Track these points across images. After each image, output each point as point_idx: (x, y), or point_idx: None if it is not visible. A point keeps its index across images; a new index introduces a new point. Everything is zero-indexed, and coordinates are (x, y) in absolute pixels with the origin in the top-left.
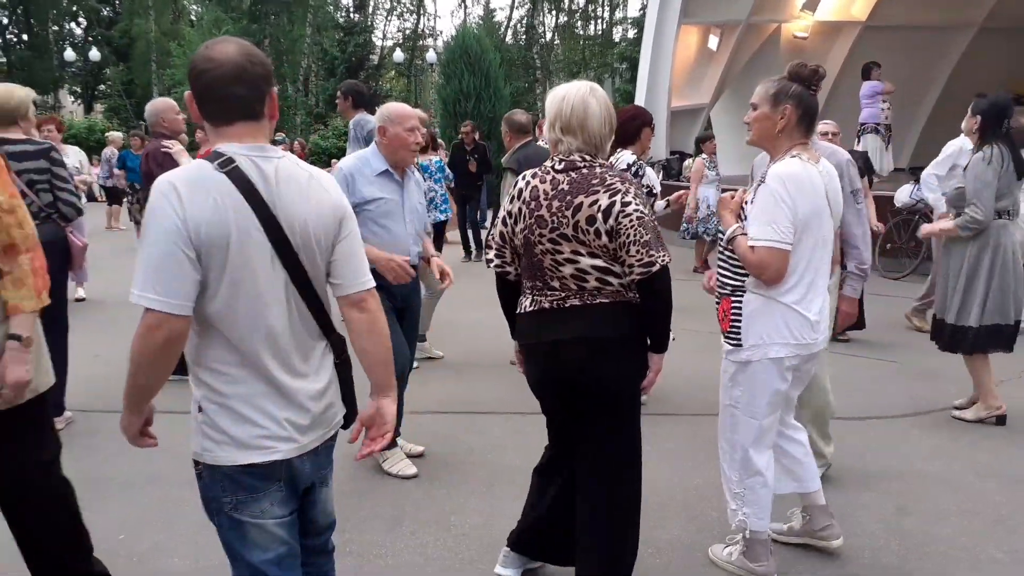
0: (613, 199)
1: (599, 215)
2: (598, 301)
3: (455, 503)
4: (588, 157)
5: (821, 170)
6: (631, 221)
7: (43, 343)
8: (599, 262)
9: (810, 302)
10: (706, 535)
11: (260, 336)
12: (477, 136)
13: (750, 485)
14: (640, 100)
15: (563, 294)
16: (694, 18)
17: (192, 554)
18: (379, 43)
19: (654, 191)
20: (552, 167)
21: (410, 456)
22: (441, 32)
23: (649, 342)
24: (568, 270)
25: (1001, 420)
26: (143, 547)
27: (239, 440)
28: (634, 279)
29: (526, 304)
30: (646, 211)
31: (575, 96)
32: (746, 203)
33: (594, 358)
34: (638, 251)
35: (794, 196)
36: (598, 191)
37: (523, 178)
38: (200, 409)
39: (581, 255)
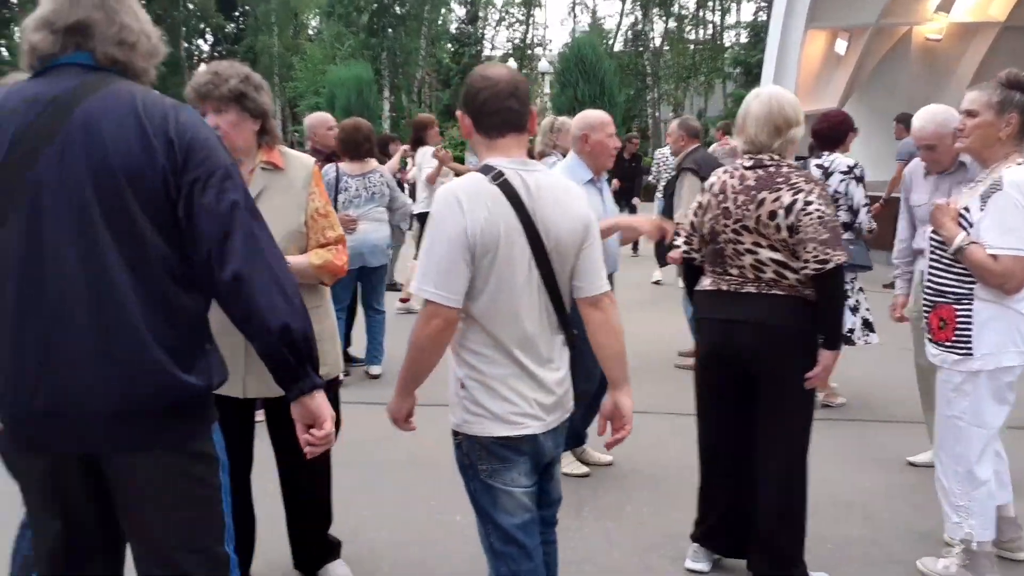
0: (796, 197)
1: (780, 211)
2: (773, 292)
3: (625, 495)
4: (776, 157)
5: None
6: (811, 219)
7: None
8: (778, 255)
9: None
10: (882, 534)
11: (514, 329)
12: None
13: (976, 497)
14: None
15: (740, 280)
16: (821, 22)
17: (397, 529)
18: (489, 53)
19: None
20: (743, 164)
21: (598, 464)
22: (551, 41)
23: (822, 339)
24: (748, 259)
25: None
26: (352, 522)
27: (496, 415)
28: (808, 273)
29: (706, 283)
30: (828, 211)
31: (745, 101)
32: (964, 210)
33: (767, 344)
34: (815, 248)
35: None
36: (781, 188)
37: (715, 174)
38: (463, 386)
39: (761, 247)
